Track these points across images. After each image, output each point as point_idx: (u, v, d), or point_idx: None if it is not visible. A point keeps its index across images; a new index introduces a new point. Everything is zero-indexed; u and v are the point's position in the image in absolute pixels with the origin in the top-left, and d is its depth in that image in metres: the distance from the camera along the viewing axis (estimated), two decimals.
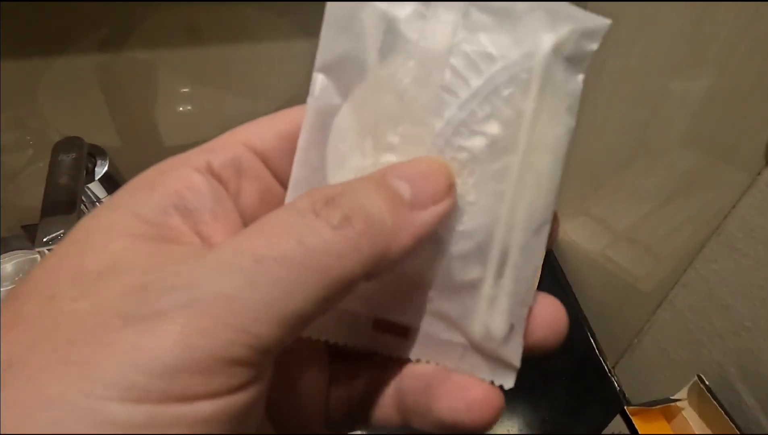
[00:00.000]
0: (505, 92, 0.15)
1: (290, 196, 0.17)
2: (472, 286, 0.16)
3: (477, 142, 0.15)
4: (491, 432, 0.55)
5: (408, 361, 0.18)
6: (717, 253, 0.44)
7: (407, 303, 0.17)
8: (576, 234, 0.67)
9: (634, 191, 0.56)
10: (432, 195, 0.15)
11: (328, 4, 0.16)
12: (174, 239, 0.14)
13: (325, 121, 0.16)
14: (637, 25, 0.51)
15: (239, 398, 0.12)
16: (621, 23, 0.53)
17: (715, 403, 0.40)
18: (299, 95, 0.20)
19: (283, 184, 0.17)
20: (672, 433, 0.44)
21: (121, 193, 0.15)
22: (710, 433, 0.42)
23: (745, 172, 0.40)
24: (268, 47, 0.59)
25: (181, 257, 0.13)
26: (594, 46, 0.15)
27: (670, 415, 0.44)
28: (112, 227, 0.14)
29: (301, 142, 0.16)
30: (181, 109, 0.63)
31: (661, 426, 0.44)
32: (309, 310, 0.13)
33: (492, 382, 0.16)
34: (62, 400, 0.11)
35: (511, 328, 0.16)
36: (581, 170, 0.65)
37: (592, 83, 0.59)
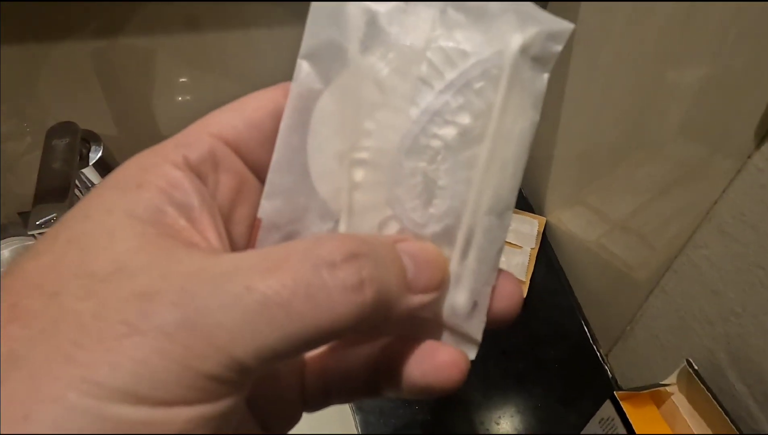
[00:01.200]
0: (477, 85, 0.16)
1: (271, 177, 0.17)
2: None
3: (450, 131, 0.16)
4: (486, 425, 0.55)
5: (378, 334, 0.18)
6: (707, 238, 0.44)
7: None
8: (572, 223, 0.67)
9: (630, 181, 0.56)
10: (425, 286, 0.16)
11: (313, 3, 0.16)
12: (176, 236, 0.14)
13: (307, 105, 0.17)
14: (630, 15, 0.51)
15: (219, 406, 0.13)
16: (615, 13, 0.53)
17: (704, 387, 0.40)
18: None
19: (256, 173, 0.18)
20: (661, 417, 0.44)
21: (107, 192, 0.15)
22: (699, 417, 0.42)
23: (736, 156, 0.40)
24: (265, 34, 0.59)
25: (189, 269, 0.13)
26: (558, 47, 0.16)
27: (659, 399, 0.44)
28: (116, 228, 0.14)
29: (283, 126, 0.17)
30: (180, 98, 0.63)
31: (651, 410, 0.44)
32: (299, 350, 0.14)
33: None
34: (64, 398, 0.11)
35: (475, 305, 0.17)
36: (577, 160, 0.65)
37: (586, 74, 0.59)
